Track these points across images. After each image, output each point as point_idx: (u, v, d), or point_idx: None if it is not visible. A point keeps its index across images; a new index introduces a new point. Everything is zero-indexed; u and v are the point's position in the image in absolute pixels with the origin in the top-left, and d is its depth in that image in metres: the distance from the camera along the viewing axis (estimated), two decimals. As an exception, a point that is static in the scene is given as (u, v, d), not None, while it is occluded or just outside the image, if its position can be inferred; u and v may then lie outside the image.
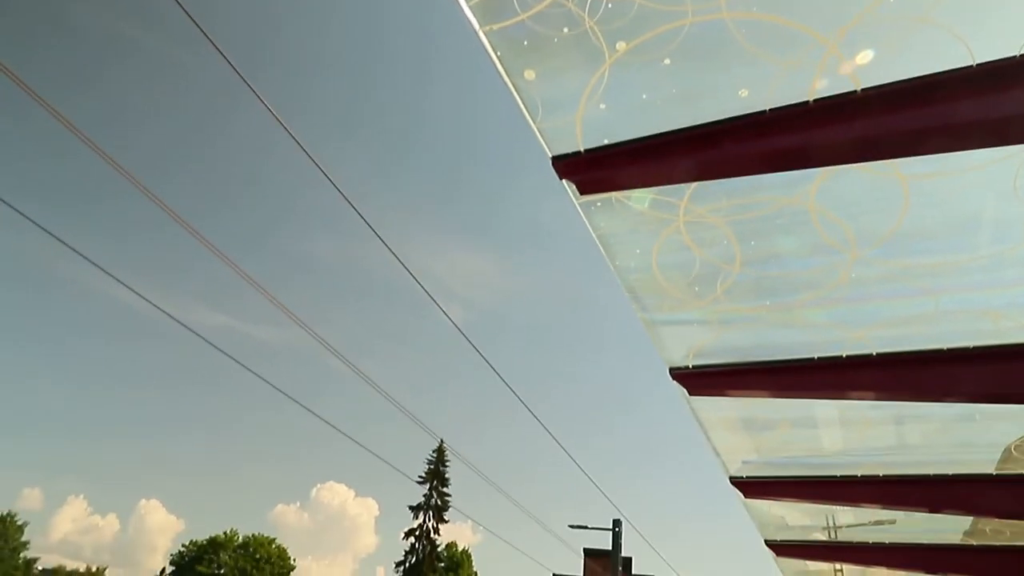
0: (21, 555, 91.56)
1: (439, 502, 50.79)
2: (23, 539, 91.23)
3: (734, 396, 3.61)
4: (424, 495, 50.59)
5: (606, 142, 2.35)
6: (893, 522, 5.73)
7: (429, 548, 49.34)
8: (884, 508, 4.68)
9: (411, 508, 50.22)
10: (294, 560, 69.84)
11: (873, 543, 5.82)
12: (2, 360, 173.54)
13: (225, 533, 67.50)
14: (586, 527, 37.32)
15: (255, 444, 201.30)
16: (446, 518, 51.04)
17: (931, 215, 2.53)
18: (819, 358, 3.26)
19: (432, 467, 51.21)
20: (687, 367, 3.50)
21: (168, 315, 9.97)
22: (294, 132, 7.06)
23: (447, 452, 52.37)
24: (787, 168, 2.26)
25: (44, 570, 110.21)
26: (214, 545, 65.53)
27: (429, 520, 50.11)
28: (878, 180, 2.40)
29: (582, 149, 2.39)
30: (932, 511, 4.42)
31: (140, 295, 10.42)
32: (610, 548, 36.49)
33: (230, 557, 64.98)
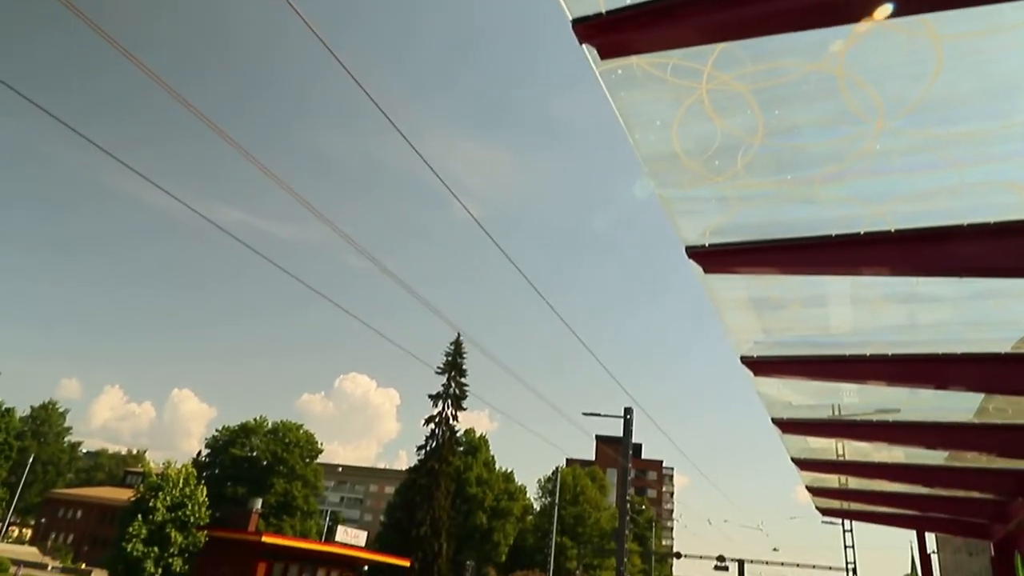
0: (65, 440, 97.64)
1: (457, 391, 52.83)
2: (65, 425, 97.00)
3: (749, 274, 3.64)
4: (443, 385, 52.60)
5: (628, 2, 2.25)
6: (897, 411, 5.90)
7: (448, 434, 51.84)
8: (891, 385, 4.82)
9: (430, 397, 52.36)
10: (321, 444, 73.92)
11: (877, 421, 5.99)
12: (41, 262, 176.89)
13: (255, 419, 71.22)
14: (599, 414, 38.81)
15: (280, 337, 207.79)
16: (464, 406, 53.27)
17: (964, 79, 2.43)
18: (836, 235, 3.25)
19: (450, 358, 52.90)
20: (703, 245, 3.51)
21: (200, 214, 10.04)
22: (309, 20, 6.78)
23: (464, 344, 53.90)
24: (816, 25, 2.16)
25: (88, 452, 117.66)
26: (245, 430, 69.31)
27: (448, 408, 52.34)
28: (911, 41, 2.29)
29: (603, 10, 2.30)
30: (939, 387, 4.53)
31: (176, 197, 10.45)
32: (621, 435, 38.18)
33: (261, 441, 68.86)
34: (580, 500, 71.84)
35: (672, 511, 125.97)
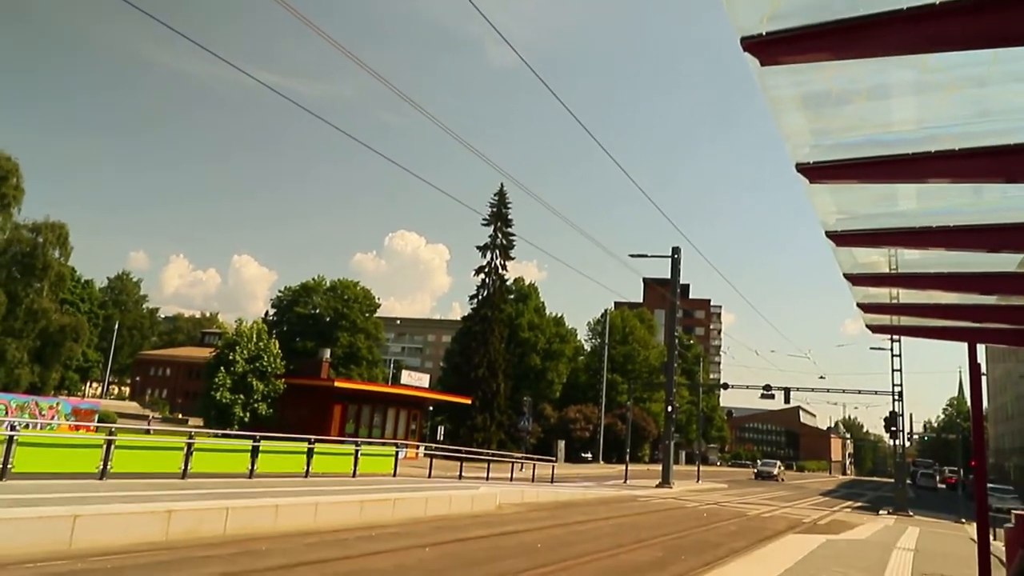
0: (144, 307, 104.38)
1: (504, 241, 53.49)
2: (141, 293, 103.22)
3: (810, 62, 3.43)
4: (489, 236, 53.22)
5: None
6: (960, 213, 5.70)
7: (498, 283, 53.24)
8: (955, 182, 4.64)
9: (478, 248, 53.25)
10: (378, 299, 77.22)
11: (937, 227, 5.85)
12: (99, 141, 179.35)
13: (314, 279, 74.32)
14: (646, 255, 39.02)
15: (328, 198, 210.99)
16: (512, 256, 54.15)
17: None
18: (908, 8, 3.00)
19: (495, 209, 53.04)
20: (760, 34, 3.29)
21: (251, 76, 9.86)
22: None
23: (508, 195, 53.72)
24: None
25: (166, 317, 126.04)
26: (306, 289, 72.65)
27: (496, 258, 53.32)
28: None
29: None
30: (1008, 180, 4.35)
31: (225, 59, 10.22)
32: (669, 277, 38.54)
33: (322, 299, 72.29)
34: (629, 340, 74.34)
35: (720, 347, 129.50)
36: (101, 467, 14.01)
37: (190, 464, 15.71)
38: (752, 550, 14.12)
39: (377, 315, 77.99)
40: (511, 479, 27.07)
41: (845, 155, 4.79)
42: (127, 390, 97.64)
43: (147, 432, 22.25)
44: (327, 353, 42.19)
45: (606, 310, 71.28)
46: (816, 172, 4.91)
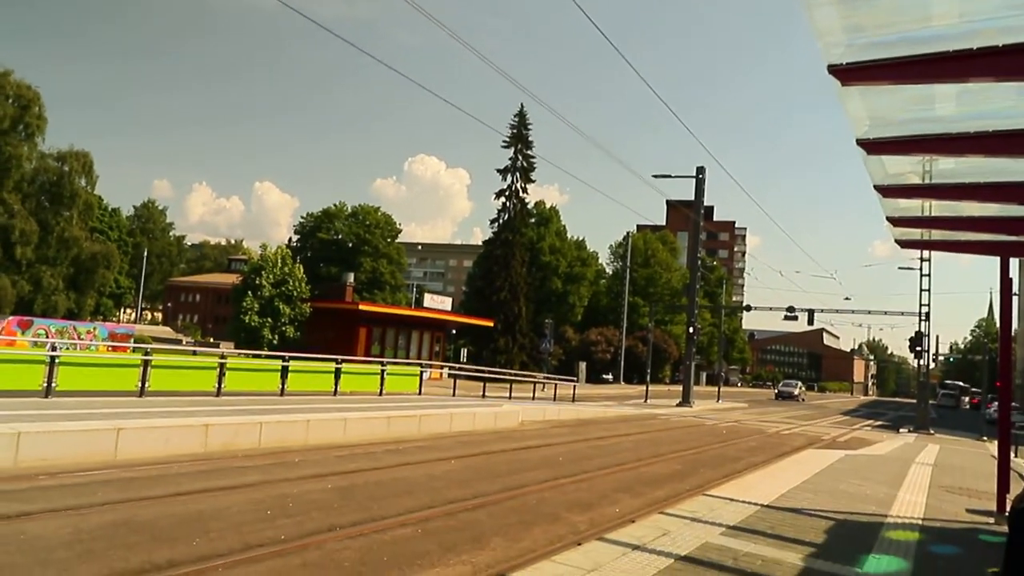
0: (170, 234, 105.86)
1: (524, 163, 52.74)
2: (167, 221, 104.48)
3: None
4: (510, 158, 52.48)
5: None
6: (999, 117, 5.44)
7: (519, 206, 52.85)
8: (998, 81, 4.41)
9: (498, 171, 52.64)
10: (400, 225, 77.33)
11: (975, 132, 5.62)
12: (115, 67, 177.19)
13: (335, 205, 74.39)
14: (669, 175, 38.31)
15: (347, 123, 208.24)
16: (533, 178, 53.48)
17: None
18: None
19: (515, 130, 52.02)
20: (794, -84, 3.08)
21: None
22: None
23: (528, 116, 52.49)
24: None
25: (193, 245, 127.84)
26: (328, 215, 72.89)
27: (517, 181, 52.72)
28: None
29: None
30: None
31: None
32: (693, 199, 37.84)
33: (344, 224, 72.56)
34: (651, 263, 74.04)
35: (743, 270, 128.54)
36: (140, 385, 14.60)
37: (223, 383, 16.29)
38: (771, 463, 14.45)
39: (399, 240, 78.35)
40: (533, 399, 27.72)
41: (880, 54, 4.57)
42: (159, 316, 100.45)
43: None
44: (351, 277, 42.75)
45: (628, 233, 70.76)
46: (849, 73, 4.70)
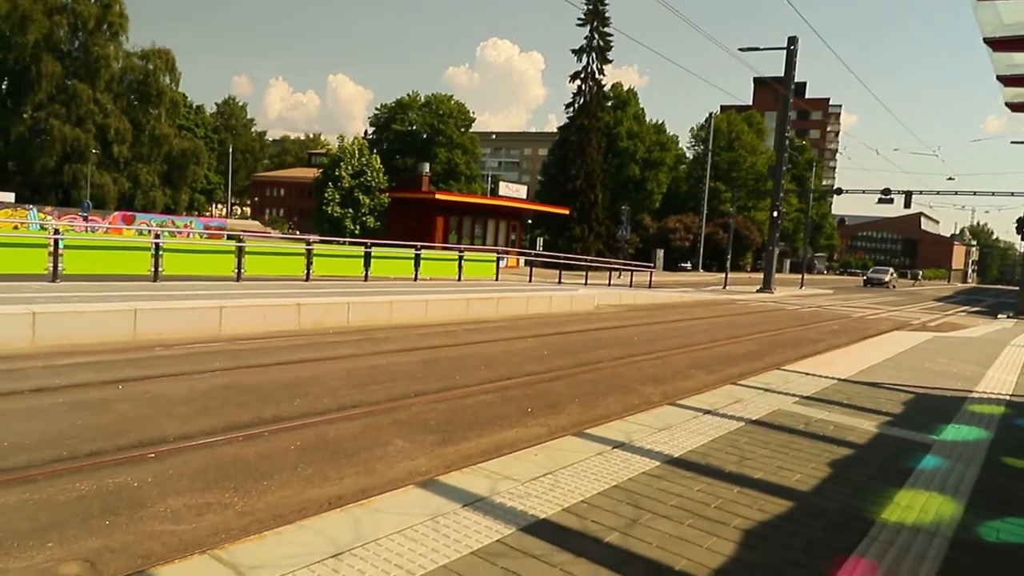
0: (252, 130, 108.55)
1: (601, 43, 50.06)
2: (248, 117, 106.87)
3: None
4: (585, 37, 49.87)
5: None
6: None
7: (595, 88, 50.72)
8: None
9: (574, 51, 50.27)
10: (473, 113, 76.09)
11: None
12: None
13: (408, 95, 73.63)
14: (758, 48, 35.57)
15: (417, 6, 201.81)
16: (609, 58, 50.88)
17: None
18: None
19: (591, 5, 49.05)
20: None
21: None
22: None
23: (605, -12, 49.22)
24: None
25: (273, 141, 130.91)
26: (402, 106, 72.42)
27: (593, 62, 50.34)
28: None
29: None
30: None
31: None
32: (783, 75, 35.06)
33: (417, 115, 72.10)
34: (735, 145, 70.44)
35: (836, 151, 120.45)
36: (236, 271, 15.59)
37: (311, 269, 17.15)
38: (853, 344, 14.17)
39: (472, 130, 77.36)
40: (609, 285, 27.82)
41: None
42: (248, 210, 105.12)
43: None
44: (427, 167, 42.96)
45: (711, 114, 67.05)
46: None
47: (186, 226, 37.06)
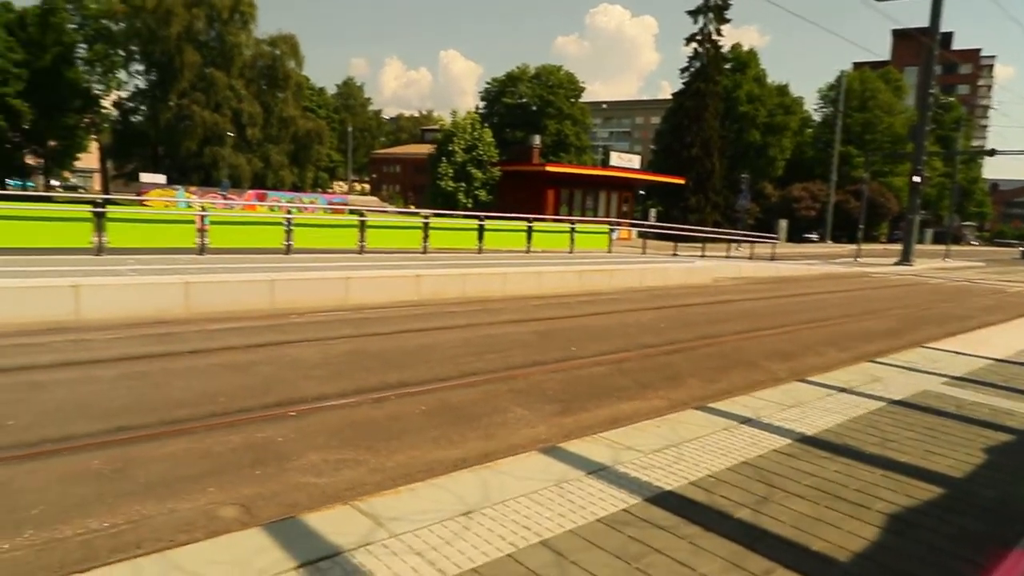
0: (368, 109, 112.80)
1: (719, 2, 47.48)
2: (366, 97, 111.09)
3: None
4: (702, -3, 47.46)
5: None
6: None
7: (713, 51, 48.30)
8: None
9: (689, 13, 48.05)
10: (583, 83, 74.93)
11: None
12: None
13: (517, 68, 73.60)
14: (899, -4, 32.28)
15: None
16: (728, 18, 48.20)
17: None
18: None
19: (708, -37, 46.56)
20: None
21: None
22: None
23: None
24: None
25: (389, 119, 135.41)
26: (511, 79, 72.57)
27: (709, 23, 47.91)
28: None
29: None
30: None
31: None
32: (927, 24, 31.71)
33: (527, 87, 71.99)
34: (869, 105, 64.98)
35: (988, 108, 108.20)
36: (359, 245, 16.35)
37: (427, 242, 17.68)
38: (1010, 321, 12.82)
39: (582, 100, 76.26)
40: (727, 257, 26.72)
41: None
42: (367, 187, 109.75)
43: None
44: (537, 139, 42.84)
45: (842, 72, 62.11)
46: None
47: (311, 203, 39.28)
